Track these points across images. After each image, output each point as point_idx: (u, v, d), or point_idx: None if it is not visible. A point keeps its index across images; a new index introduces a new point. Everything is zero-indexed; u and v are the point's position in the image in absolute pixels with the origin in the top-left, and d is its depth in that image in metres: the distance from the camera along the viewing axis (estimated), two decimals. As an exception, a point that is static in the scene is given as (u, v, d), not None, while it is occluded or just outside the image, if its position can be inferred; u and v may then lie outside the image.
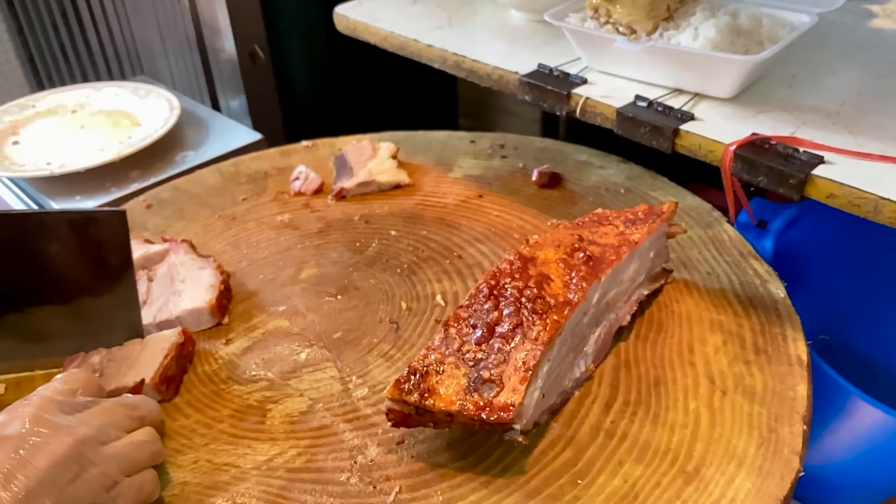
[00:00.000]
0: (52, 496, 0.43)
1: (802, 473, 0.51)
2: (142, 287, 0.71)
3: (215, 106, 1.41)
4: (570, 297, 0.54)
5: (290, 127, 1.40)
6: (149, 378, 0.59)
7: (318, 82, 1.36)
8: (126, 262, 0.64)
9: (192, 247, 0.75)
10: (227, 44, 1.27)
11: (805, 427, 0.54)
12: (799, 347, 0.61)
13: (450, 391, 0.50)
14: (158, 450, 0.52)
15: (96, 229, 0.62)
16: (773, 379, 0.58)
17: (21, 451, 0.44)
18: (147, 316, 0.68)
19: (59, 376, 0.52)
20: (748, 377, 0.59)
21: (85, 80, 1.71)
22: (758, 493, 0.49)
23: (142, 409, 0.53)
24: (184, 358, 0.63)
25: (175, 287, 0.71)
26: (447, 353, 0.52)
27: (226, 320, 0.69)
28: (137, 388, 0.58)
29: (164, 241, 0.76)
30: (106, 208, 0.63)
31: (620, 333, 0.63)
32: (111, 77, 1.68)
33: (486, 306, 0.55)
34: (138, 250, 0.75)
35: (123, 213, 0.63)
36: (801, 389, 0.57)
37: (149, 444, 0.51)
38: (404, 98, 1.47)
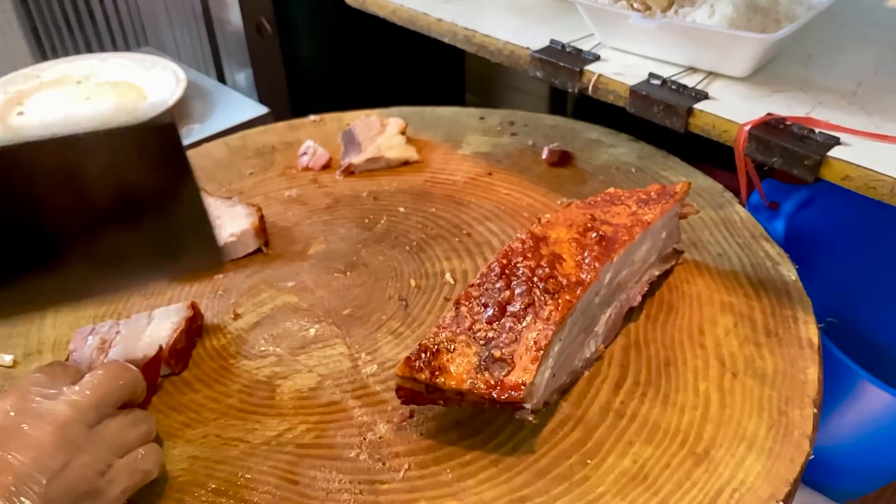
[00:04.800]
0: (42, 487, 0.41)
1: (812, 456, 0.51)
2: None
3: (221, 79, 1.40)
4: (583, 276, 0.54)
5: (296, 101, 1.40)
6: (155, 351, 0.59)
7: (325, 56, 1.35)
8: (184, 171, 0.58)
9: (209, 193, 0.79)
10: (233, 16, 1.26)
11: (815, 410, 0.54)
12: (810, 330, 0.61)
13: (460, 369, 0.50)
14: (151, 428, 0.51)
15: (145, 142, 0.56)
16: (783, 361, 0.58)
17: (4, 446, 0.42)
18: None
19: (37, 368, 0.50)
20: (759, 359, 0.58)
21: (88, 50, 1.69)
22: (767, 476, 0.49)
23: (128, 377, 0.50)
24: (193, 332, 0.63)
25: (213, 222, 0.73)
26: (458, 331, 0.52)
27: (268, 250, 0.74)
28: (153, 362, 0.57)
29: None
30: (152, 118, 0.59)
31: (631, 314, 0.63)
32: (115, 48, 1.67)
33: (497, 285, 0.54)
34: None
35: (173, 121, 0.57)
36: (812, 372, 0.57)
37: (140, 423, 0.49)
38: (411, 73, 1.46)
